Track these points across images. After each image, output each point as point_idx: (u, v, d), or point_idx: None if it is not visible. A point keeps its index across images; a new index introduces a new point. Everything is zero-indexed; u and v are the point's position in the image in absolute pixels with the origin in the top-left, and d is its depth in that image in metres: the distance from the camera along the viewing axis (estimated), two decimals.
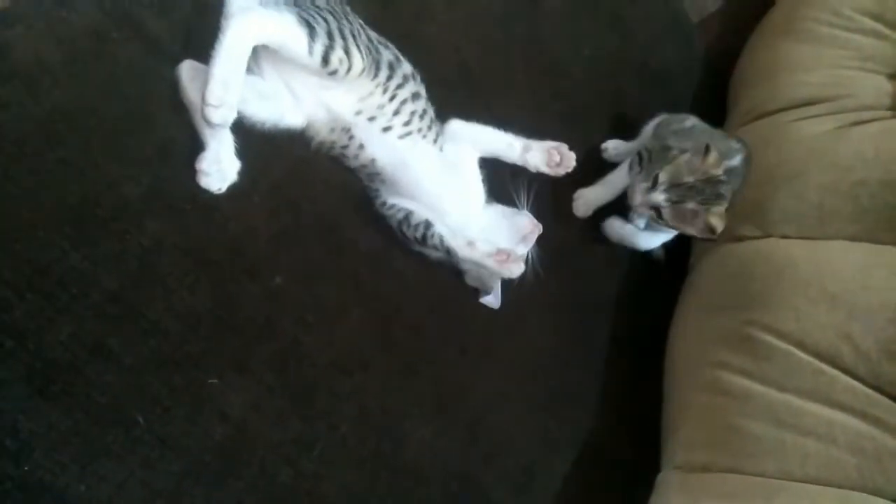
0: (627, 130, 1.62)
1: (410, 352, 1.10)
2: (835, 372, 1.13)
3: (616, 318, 1.47)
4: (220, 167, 0.89)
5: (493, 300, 1.20)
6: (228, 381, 0.88)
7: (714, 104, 1.79)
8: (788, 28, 1.66)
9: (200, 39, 0.91)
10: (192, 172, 0.87)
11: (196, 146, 0.88)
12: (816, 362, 1.14)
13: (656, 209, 1.22)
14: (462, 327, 1.20)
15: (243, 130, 0.93)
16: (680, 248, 1.57)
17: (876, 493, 1.06)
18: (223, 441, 0.86)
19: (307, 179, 1.00)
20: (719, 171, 1.16)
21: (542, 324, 1.34)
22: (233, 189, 0.90)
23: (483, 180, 1.17)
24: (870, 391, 1.10)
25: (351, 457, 0.99)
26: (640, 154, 1.32)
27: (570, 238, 1.41)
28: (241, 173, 0.91)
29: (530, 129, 1.24)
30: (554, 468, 1.28)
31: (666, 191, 1.20)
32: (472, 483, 1.14)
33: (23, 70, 0.79)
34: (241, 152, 0.91)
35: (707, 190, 1.18)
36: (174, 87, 0.87)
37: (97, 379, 0.77)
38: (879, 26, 1.54)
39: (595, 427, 1.37)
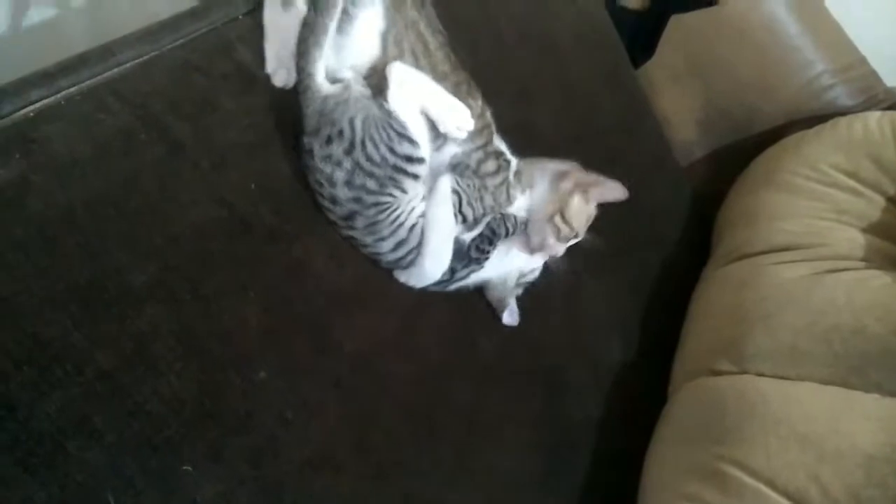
0: (610, 262, 1.70)
1: (384, 457, 1.11)
2: None
3: (597, 441, 1.48)
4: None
5: (509, 318, 1.29)
6: (202, 470, 0.90)
7: (699, 243, 1.89)
8: (769, 178, 1.78)
9: (219, 145, 1.02)
10: (196, 266, 0.94)
11: (202, 239, 0.95)
12: (786, 502, 1.15)
13: None
14: (440, 438, 1.21)
15: (247, 235, 1.01)
16: (662, 370, 1.61)
17: None
18: None
19: (301, 279, 1.06)
20: None
21: (522, 440, 1.35)
22: (230, 282, 0.97)
23: None
24: None
25: None
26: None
27: (551, 353, 1.45)
28: (238, 272, 0.98)
29: None
30: None
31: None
32: None
33: (56, 161, 0.87)
34: (247, 254, 0.99)
35: None
36: (189, 186, 0.96)
37: (78, 455, 0.80)
38: (853, 183, 1.65)
39: None
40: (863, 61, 1.99)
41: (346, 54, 1.06)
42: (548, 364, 1.43)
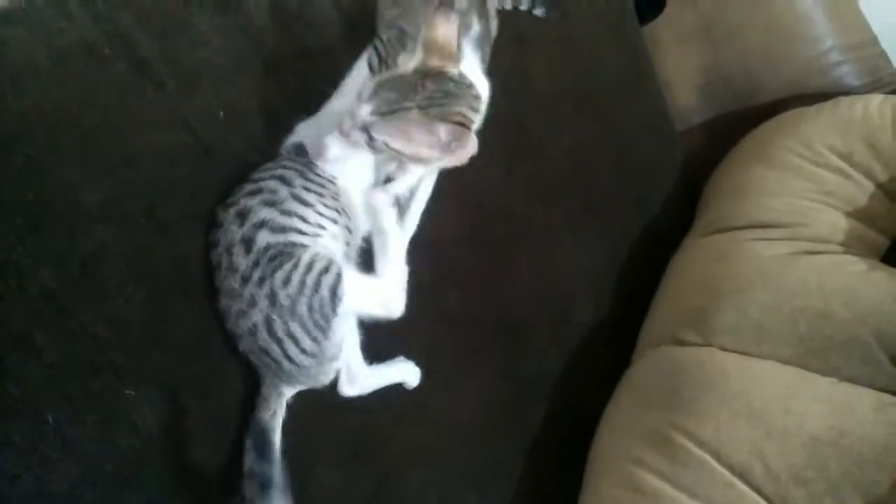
0: (596, 213, 1.67)
1: (334, 396, 1.11)
2: (744, 488, 1.15)
3: (554, 398, 1.49)
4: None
5: None
6: (146, 395, 0.89)
7: (684, 209, 1.87)
8: (762, 153, 1.75)
9: (187, 67, 0.97)
10: (153, 188, 0.92)
11: (163, 163, 0.92)
12: (728, 475, 1.16)
13: (366, 131, 0.92)
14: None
15: (211, 164, 0.98)
16: (631, 334, 1.61)
17: None
18: (128, 452, 0.87)
19: None
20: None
21: (480, 390, 1.35)
22: (189, 209, 0.95)
23: None
24: None
25: None
26: (376, 49, 1.05)
27: (518, 307, 1.44)
28: (199, 199, 0.96)
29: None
30: None
31: (372, 98, 0.90)
32: None
33: (11, 68, 0.84)
34: (210, 183, 0.97)
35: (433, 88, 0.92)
36: (152, 106, 0.93)
37: (15, 370, 0.79)
38: (845, 165, 1.62)
39: None
40: (874, 41, 1.92)
41: None
42: (512, 318, 1.43)
